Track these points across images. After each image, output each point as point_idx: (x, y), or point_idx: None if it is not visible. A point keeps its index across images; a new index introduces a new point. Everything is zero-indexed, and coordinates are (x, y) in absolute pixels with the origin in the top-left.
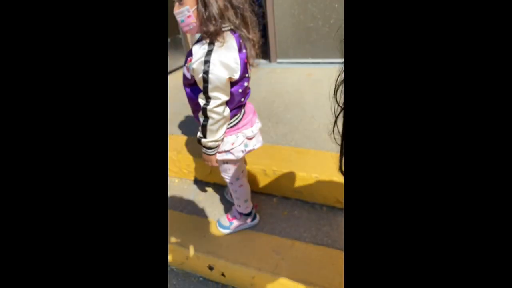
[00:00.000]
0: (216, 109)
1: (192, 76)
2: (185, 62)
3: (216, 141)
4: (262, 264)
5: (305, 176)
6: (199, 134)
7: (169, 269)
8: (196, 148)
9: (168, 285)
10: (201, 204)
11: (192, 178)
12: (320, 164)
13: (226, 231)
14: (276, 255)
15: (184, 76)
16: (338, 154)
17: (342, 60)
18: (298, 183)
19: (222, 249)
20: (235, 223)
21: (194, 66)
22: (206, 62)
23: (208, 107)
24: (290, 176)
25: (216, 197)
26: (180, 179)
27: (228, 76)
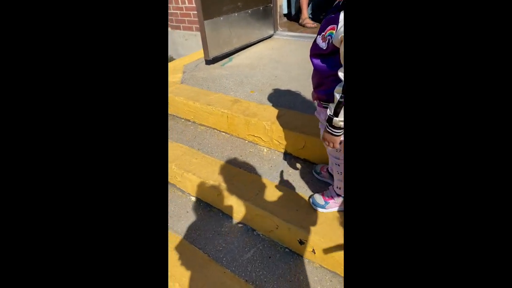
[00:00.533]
0: None
1: (330, 46)
2: (322, 30)
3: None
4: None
5: None
6: (329, 113)
7: (255, 234)
8: (289, 121)
9: (254, 248)
10: (291, 178)
11: (282, 150)
12: None
13: (321, 210)
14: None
15: (317, 46)
16: None
17: None
18: None
19: (316, 226)
20: (331, 203)
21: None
22: None
23: None
24: None
25: (306, 173)
26: (270, 150)
27: None
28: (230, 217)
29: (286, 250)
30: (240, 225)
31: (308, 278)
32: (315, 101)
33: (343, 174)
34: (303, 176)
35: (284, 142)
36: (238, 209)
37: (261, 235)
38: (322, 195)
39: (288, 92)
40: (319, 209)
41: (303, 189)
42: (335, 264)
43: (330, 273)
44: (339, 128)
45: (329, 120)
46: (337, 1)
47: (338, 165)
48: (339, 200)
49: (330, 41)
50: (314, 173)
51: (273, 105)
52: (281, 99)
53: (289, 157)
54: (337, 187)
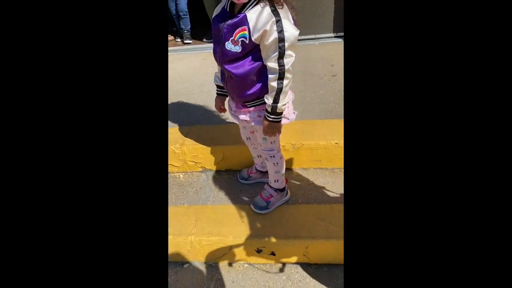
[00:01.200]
0: (291, 68)
1: (247, 46)
2: (231, 36)
3: (286, 103)
4: (313, 232)
5: (325, 144)
6: (271, 102)
7: (209, 265)
8: (200, 137)
9: (212, 282)
10: (220, 194)
11: (201, 169)
12: (334, 131)
13: (266, 211)
14: (322, 222)
15: (229, 53)
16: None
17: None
18: (318, 152)
19: (267, 229)
20: (273, 200)
21: (267, 27)
22: (278, 21)
23: (286, 67)
24: (309, 147)
25: (233, 183)
26: (186, 173)
27: (298, 33)
28: (177, 262)
29: (245, 265)
30: (189, 265)
31: (276, 281)
32: (233, 107)
33: (279, 164)
34: (232, 187)
35: (200, 160)
36: (182, 249)
37: (215, 264)
38: (261, 196)
39: (186, 107)
40: (264, 211)
41: (239, 199)
42: (295, 254)
43: (293, 266)
44: (281, 113)
45: (273, 109)
46: (229, 10)
47: (273, 156)
48: (279, 194)
49: (246, 41)
50: (241, 180)
51: (180, 125)
52: (187, 118)
53: (210, 173)
54: (274, 181)
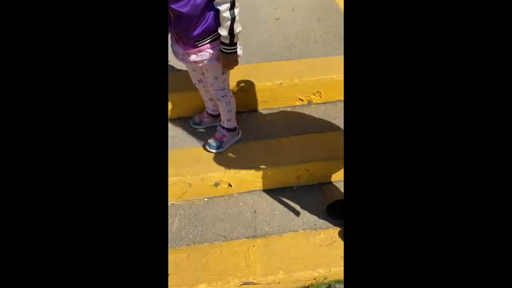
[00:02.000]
0: None
1: None
2: None
3: (240, 31)
4: (265, 164)
5: (271, 85)
6: (226, 33)
7: (171, 204)
8: None
9: (177, 217)
10: (175, 140)
11: None
12: (278, 73)
13: (220, 150)
14: (270, 154)
15: None
16: (290, 61)
17: None
18: (264, 93)
19: (222, 165)
20: (226, 140)
21: None
22: None
23: None
24: (256, 89)
25: (186, 128)
26: None
27: None
28: None
29: (206, 199)
30: None
31: (234, 207)
32: (181, 51)
33: (231, 103)
34: (186, 133)
35: None
36: None
37: (178, 202)
38: (214, 137)
39: None
40: (218, 150)
41: (194, 143)
42: (248, 184)
43: (248, 193)
44: (236, 43)
45: (230, 39)
46: None
47: (225, 95)
48: (231, 134)
49: None
50: (193, 125)
51: None
52: None
53: None
54: (227, 120)
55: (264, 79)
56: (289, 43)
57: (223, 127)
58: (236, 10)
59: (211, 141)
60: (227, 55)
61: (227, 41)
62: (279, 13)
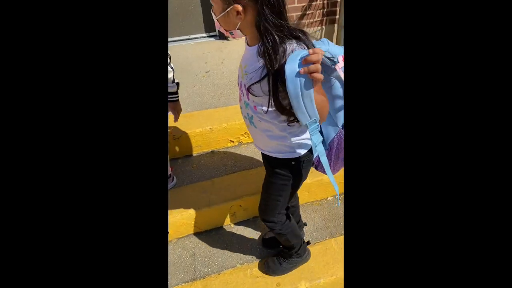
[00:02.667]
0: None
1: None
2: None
3: None
4: (200, 206)
5: (201, 131)
6: (173, 82)
7: None
8: None
9: None
10: None
11: None
12: (208, 120)
13: None
14: (205, 193)
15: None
16: (219, 108)
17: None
18: (197, 139)
19: None
20: None
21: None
22: None
23: None
24: (189, 135)
25: None
26: None
27: None
28: None
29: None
30: None
31: (173, 253)
32: None
33: None
34: None
35: None
36: None
37: None
38: None
39: None
40: None
41: None
42: (186, 227)
43: (186, 238)
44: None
45: (177, 87)
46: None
47: None
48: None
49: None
50: None
51: None
52: None
53: None
54: None
55: (195, 126)
56: (218, 93)
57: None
58: (172, 64)
59: None
60: (176, 103)
61: (174, 89)
62: (209, 66)
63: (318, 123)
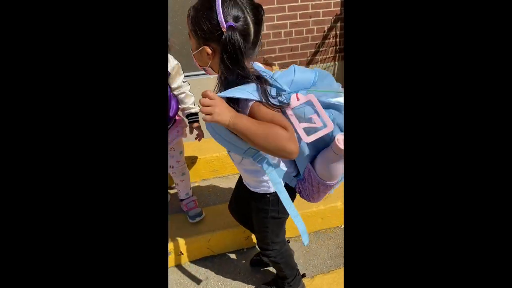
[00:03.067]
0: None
1: None
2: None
3: None
4: (215, 229)
5: (218, 156)
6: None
7: None
8: None
9: None
10: None
11: None
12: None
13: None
14: (220, 217)
15: None
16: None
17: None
18: (213, 163)
19: (172, 233)
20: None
21: None
22: None
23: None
24: (205, 160)
25: None
26: None
27: None
28: None
29: None
30: None
31: (186, 276)
32: None
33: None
34: None
35: None
36: None
37: None
38: (192, 209)
39: None
40: (202, 216)
41: None
42: (199, 251)
43: (200, 260)
44: None
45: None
46: None
47: (186, 167)
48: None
49: None
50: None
51: None
52: None
53: None
54: (190, 188)
55: (212, 151)
56: None
57: (192, 195)
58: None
59: (191, 212)
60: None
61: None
62: None
63: (262, 155)
